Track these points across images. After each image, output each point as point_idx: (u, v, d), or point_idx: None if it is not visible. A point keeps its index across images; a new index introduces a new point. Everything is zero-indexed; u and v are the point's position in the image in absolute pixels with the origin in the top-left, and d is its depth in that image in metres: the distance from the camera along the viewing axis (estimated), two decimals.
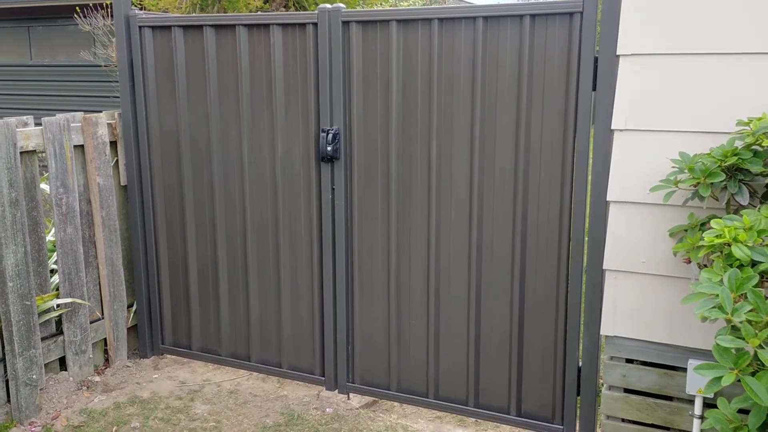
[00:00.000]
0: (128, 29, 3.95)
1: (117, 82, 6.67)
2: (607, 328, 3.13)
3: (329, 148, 3.52)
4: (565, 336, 3.28)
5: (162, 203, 4.14)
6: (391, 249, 3.56)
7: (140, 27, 3.93)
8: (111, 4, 6.62)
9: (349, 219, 3.64)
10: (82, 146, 3.94)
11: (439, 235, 3.46)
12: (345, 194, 3.61)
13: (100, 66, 6.83)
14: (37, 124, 3.71)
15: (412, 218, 3.50)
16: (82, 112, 4.01)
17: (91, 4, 6.69)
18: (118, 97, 7.30)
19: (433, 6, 3.09)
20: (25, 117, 3.65)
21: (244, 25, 3.69)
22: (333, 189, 3.63)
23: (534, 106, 3.17)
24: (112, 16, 6.62)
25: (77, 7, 6.65)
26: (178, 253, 4.16)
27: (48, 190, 4.18)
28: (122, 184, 4.20)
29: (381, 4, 6.78)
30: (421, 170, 3.43)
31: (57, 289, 3.89)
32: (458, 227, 3.41)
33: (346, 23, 3.45)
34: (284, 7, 5.60)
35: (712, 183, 2.59)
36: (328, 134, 3.52)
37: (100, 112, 4.11)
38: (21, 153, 3.54)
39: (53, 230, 4.14)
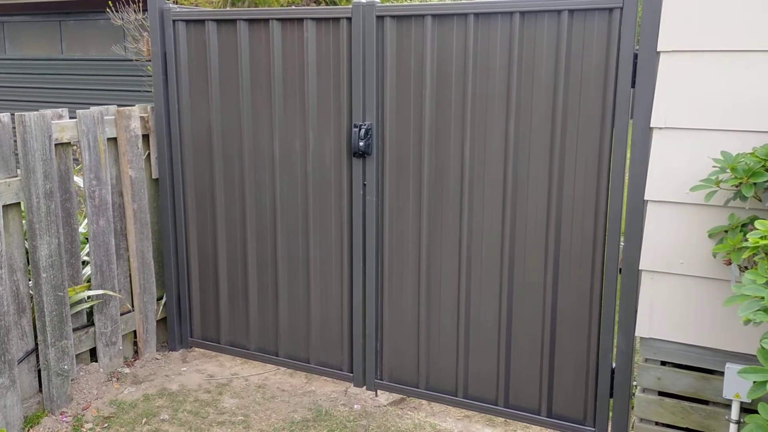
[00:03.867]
0: (162, 23, 3.97)
1: (148, 76, 6.71)
2: (642, 330, 3.08)
3: (361, 144, 3.50)
4: (599, 336, 3.23)
5: (193, 197, 4.15)
6: (422, 245, 3.54)
7: (174, 21, 3.95)
8: (139, 2, 6.68)
9: (380, 215, 3.62)
10: (115, 139, 3.96)
11: (471, 232, 3.42)
12: (376, 190, 3.59)
13: (131, 60, 6.88)
14: (71, 117, 3.74)
15: (443, 215, 3.47)
16: (116, 105, 4.04)
17: None
18: (148, 91, 7.34)
19: (468, 1, 3.06)
20: (60, 109, 3.68)
21: (278, 20, 3.68)
22: (364, 185, 3.61)
23: (570, 103, 3.12)
24: (143, 10, 6.66)
25: (110, 1, 6.70)
26: (208, 246, 4.18)
27: (80, 183, 4.22)
28: (154, 177, 4.23)
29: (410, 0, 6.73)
30: (453, 167, 3.40)
31: (88, 281, 3.93)
32: (491, 225, 3.38)
33: (380, 18, 3.43)
34: (314, 2, 5.59)
35: (755, 183, 2.53)
36: (360, 129, 3.50)
37: (132, 105, 4.13)
38: (56, 145, 3.57)
39: (85, 222, 4.18)
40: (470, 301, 3.49)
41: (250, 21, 3.76)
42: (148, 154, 4.19)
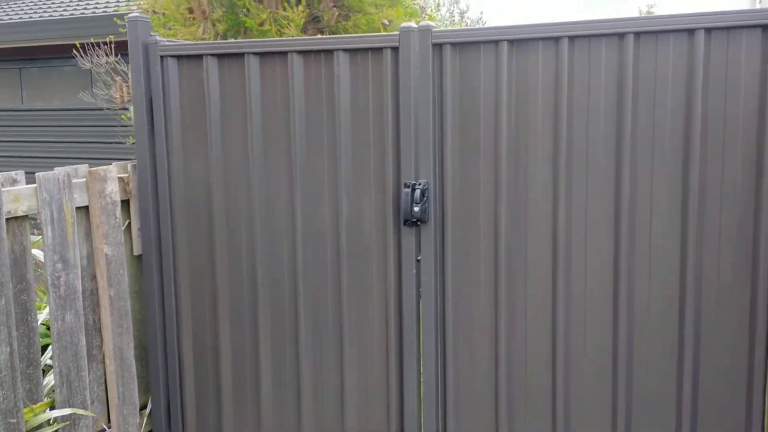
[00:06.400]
0: (147, 59, 3.12)
1: (122, 126, 5.84)
2: None
3: (416, 209, 2.67)
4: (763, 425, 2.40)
5: (187, 277, 3.26)
6: (500, 342, 2.69)
7: (162, 57, 3.11)
8: (113, 41, 5.86)
9: (441, 300, 2.77)
10: (86, 207, 3.08)
11: (568, 325, 2.59)
12: (435, 268, 2.75)
13: (102, 109, 6.02)
14: (29, 177, 2.86)
15: (528, 300, 2.64)
16: (86, 165, 3.16)
17: (91, 41, 5.90)
18: (121, 142, 6.47)
19: (563, 21, 2.29)
20: (14, 173, 2.81)
21: (299, 52, 2.88)
22: (418, 261, 2.77)
23: (711, 149, 2.34)
24: (116, 53, 5.84)
25: (77, 43, 5.86)
26: (206, 340, 3.27)
27: (40, 257, 3.32)
28: (135, 253, 3.33)
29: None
30: (541, 237, 2.59)
31: (52, 392, 2.99)
32: (596, 315, 2.55)
33: (438, 46, 2.64)
34: (319, 31, 4.83)
35: None
36: (414, 190, 2.67)
37: (102, 159, 3.31)
38: (8, 220, 2.68)
39: (46, 310, 3.28)
40: (570, 411, 2.63)
41: (263, 55, 2.95)
42: (129, 224, 3.30)
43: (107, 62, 5.77)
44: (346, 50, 2.80)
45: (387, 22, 4.88)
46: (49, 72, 9.10)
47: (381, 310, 2.87)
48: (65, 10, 8.89)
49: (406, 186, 2.70)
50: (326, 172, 2.91)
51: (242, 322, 3.17)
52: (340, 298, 2.94)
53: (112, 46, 5.84)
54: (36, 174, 2.79)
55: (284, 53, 2.90)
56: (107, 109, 5.79)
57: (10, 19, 8.94)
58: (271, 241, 3.04)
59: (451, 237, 2.72)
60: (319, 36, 3.27)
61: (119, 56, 5.83)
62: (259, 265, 3.06)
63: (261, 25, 4.30)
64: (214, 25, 4.38)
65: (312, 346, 3.03)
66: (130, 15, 3.14)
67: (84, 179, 3.07)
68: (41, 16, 8.81)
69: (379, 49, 2.74)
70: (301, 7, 4.23)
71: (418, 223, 2.72)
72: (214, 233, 3.15)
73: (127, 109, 5.45)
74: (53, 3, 9.56)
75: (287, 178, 2.97)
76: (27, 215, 2.80)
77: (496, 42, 2.55)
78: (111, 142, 7.24)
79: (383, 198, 2.81)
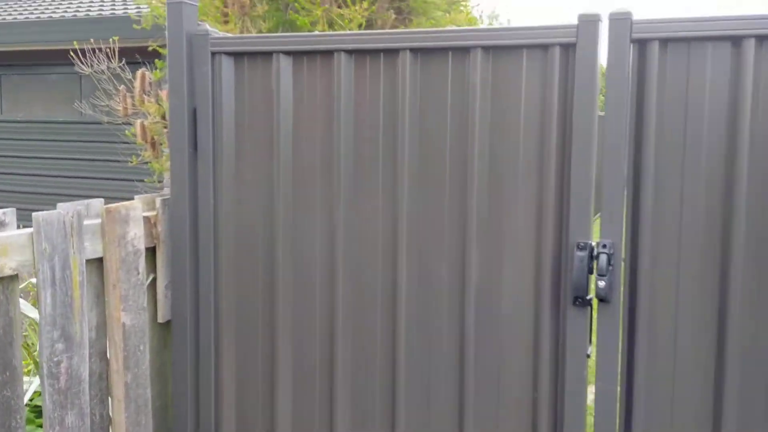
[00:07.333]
0: (191, 56, 2.25)
1: (123, 143, 4.95)
2: None
3: (601, 283, 1.81)
4: None
5: (232, 354, 2.36)
6: None
7: (213, 53, 2.24)
8: (113, 48, 4.98)
9: (626, 423, 1.90)
10: (99, 260, 2.18)
11: None
12: (620, 372, 1.89)
13: (100, 123, 5.10)
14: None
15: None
16: (101, 200, 2.25)
17: (92, 44, 5.01)
18: (119, 160, 5.56)
19: None
20: (1, 211, 1.90)
21: (414, 50, 2.03)
22: (588, 357, 1.91)
23: None
24: (119, 57, 4.98)
25: (75, 44, 4.95)
26: None
27: (29, 313, 2.42)
28: (160, 320, 2.43)
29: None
30: None
31: None
32: None
33: (638, 43, 1.81)
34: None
35: None
36: (597, 256, 1.82)
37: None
38: None
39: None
40: None
41: (358, 53, 2.09)
42: (153, 280, 2.41)
43: (109, 68, 4.90)
44: (486, 48, 1.96)
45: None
46: (32, 80, 8.15)
47: (525, 424, 2.00)
48: (54, 12, 7.97)
49: (579, 248, 1.84)
50: (447, 215, 2.05)
51: (311, 420, 2.27)
52: (461, 399, 2.06)
53: (116, 50, 4.97)
54: (33, 215, 1.88)
55: (394, 51, 2.05)
56: (108, 123, 4.89)
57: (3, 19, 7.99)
58: (358, 308, 2.17)
59: (645, 327, 1.86)
60: (451, 27, 2.42)
61: (123, 62, 4.97)
62: (340, 341, 2.18)
63: (313, 24, 3.46)
64: (252, 21, 3.53)
65: None
66: None
67: (97, 220, 2.18)
68: (27, 18, 7.88)
69: (542, 47, 1.90)
70: (365, 4, 3.40)
71: (599, 302, 1.86)
72: (276, 293, 2.26)
73: (130, 123, 4.60)
74: (41, 4, 8.63)
75: (388, 221, 2.10)
76: (17, 274, 1.90)
77: (738, 38, 1.72)
78: (110, 160, 6.26)
79: (535, 261, 1.95)
